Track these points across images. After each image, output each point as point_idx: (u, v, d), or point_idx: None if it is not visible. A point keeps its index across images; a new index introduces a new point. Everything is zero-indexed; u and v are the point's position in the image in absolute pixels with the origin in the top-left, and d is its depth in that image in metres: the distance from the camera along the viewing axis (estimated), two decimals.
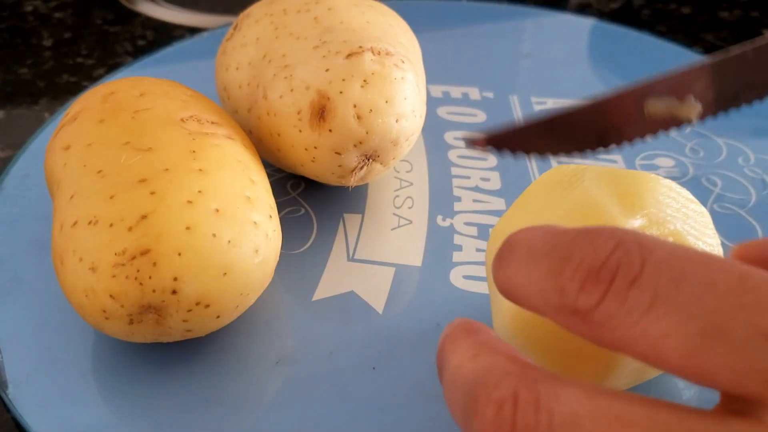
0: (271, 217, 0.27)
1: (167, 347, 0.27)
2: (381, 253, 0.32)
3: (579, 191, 0.23)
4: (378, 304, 0.29)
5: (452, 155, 0.37)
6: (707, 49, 0.48)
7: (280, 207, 0.34)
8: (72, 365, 0.27)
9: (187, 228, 0.24)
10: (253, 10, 0.34)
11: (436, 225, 0.33)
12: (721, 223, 0.33)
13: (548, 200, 0.24)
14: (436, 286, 0.30)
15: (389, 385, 0.26)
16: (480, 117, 0.40)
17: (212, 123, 0.28)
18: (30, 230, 0.32)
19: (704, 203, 0.34)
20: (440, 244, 0.32)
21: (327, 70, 0.29)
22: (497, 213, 0.34)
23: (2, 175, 0.35)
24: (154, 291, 0.23)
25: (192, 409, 0.26)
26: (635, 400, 0.15)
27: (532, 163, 0.37)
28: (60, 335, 0.28)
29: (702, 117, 0.21)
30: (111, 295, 0.23)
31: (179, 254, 0.23)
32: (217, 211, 0.25)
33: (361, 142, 0.29)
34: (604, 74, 0.43)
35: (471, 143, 0.20)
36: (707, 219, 0.24)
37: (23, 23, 0.51)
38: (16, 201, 0.34)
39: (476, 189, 0.35)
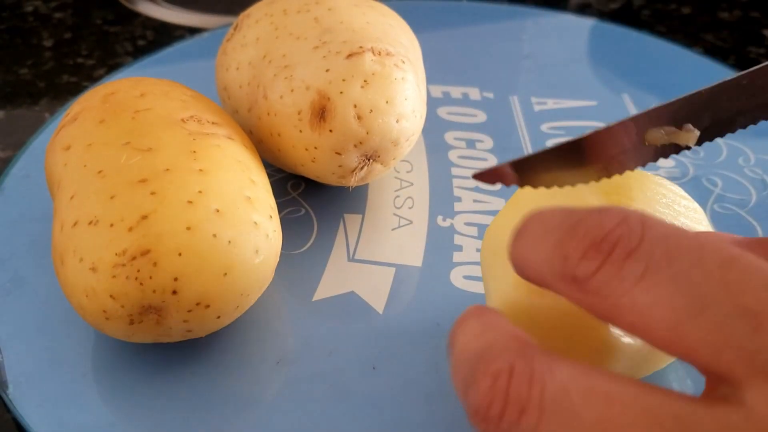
0: (271, 217, 0.27)
1: (167, 347, 0.27)
2: (381, 253, 0.32)
3: (568, 190, 0.23)
4: (378, 304, 0.29)
5: (452, 155, 0.37)
6: (707, 50, 0.48)
7: (281, 207, 0.34)
8: (72, 365, 0.27)
9: (188, 228, 0.24)
10: (253, 10, 0.34)
11: (436, 225, 0.33)
12: (721, 223, 0.33)
13: (537, 201, 0.24)
14: (436, 286, 0.30)
15: (389, 385, 0.26)
16: (480, 117, 0.40)
17: (212, 123, 0.28)
18: (30, 230, 0.32)
19: (704, 203, 0.34)
20: (440, 244, 0.32)
21: (327, 71, 0.29)
22: (497, 213, 0.34)
23: (2, 175, 0.35)
24: (154, 291, 0.23)
25: (192, 409, 0.26)
26: (625, 380, 0.16)
27: None
28: (60, 335, 0.28)
29: (700, 143, 0.22)
30: (111, 296, 0.23)
31: (179, 254, 0.23)
32: (218, 211, 0.25)
33: (361, 143, 0.29)
34: (604, 74, 0.43)
35: (478, 179, 0.21)
36: (700, 215, 0.24)
37: (23, 23, 0.51)
38: (16, 201, 0.34)
39: (476, 189, 0.35)
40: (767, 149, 0.37)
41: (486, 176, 0.21)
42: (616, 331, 0.21)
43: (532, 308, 0.21)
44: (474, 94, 0.42)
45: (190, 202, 0.24)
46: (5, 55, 0.48)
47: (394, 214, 0.34)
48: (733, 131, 0.22)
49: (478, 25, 0.48)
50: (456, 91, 0.42)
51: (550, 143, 0.38)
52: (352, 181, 0.31)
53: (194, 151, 0.26)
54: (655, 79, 0.43)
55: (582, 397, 0.16)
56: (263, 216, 0.26)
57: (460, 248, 0.32)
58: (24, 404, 0.26)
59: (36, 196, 0.34)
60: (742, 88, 0.21)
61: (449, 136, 0.39)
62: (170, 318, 0.24)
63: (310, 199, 0.34)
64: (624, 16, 0.52)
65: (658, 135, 0.22)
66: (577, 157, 0.22)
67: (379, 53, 0.29)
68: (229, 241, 0.24)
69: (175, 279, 0.23)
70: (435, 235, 0.33)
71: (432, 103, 0.41)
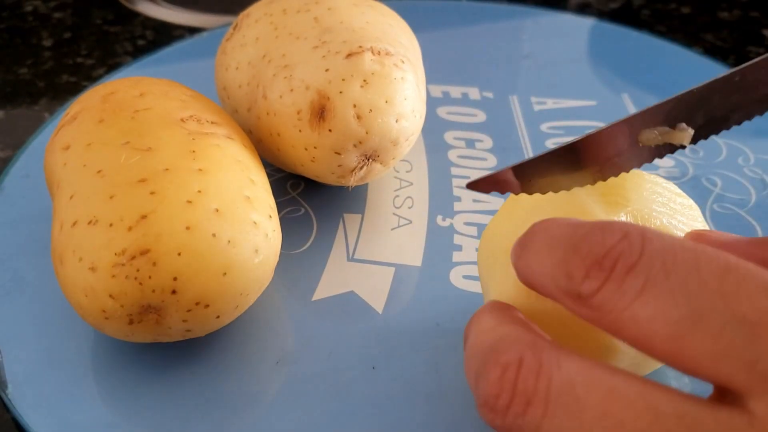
0: (270, 217, 0.27)
1: (167, 347, 0.27)
2: (381, 253, 0.32)
3: (564, 192, 0.23)
4: (378, 304, 0.29)
5: (452, 155, 0.37)
6: (707, 50, 0.48)
7: (280, 207, 0.34)
8: (72, 365, 0.27)
9: (187, 228, 0.24)
10: (252, 10, 0.34)
11: (436, 225, 0.33)
12: (720, 223, 0.33)
13: (534, 202, 0.24)
14: (435, 286, 0.30)
15: (389, 385, 0.26)
16: (480, 117, 0.40)
17: (212, 123, 0.28)
18: (30, 230, 0.32)
19: (704, 203, 0.34)
20: (440, 244, 0.32)
21: (327, 70, 0.29)
22: (494, 214, 0.34)
23: (2, 175, 0.35)
24: (153, 291, 0.23)
25: (192, 409, 0.26)
26: (631, 377, 0.16)
27: None
28: (60, 335, 0.28)
29: (695, 141, 0.22)
30: (111, 295, 0.23)
31: (179, 254, 0.23)
32: (217, 211, 0.25)
33: (360, 142, 0.29)
34: (604, 74, 0.43)
35: (473, 187, 0.22)
36: (696, 212, 0.24)
37: (23, 23, 0.51)
38: (16, 201, 0.34)
39: None
40: (767, 149, 0.37)
41: (480, 185, 0.22)
42: None
43: (532, 310, 0.21)
44: (473, 93, 0.42)
45: (189, 201, 0.24)
46: (5, 54, 0.48)
47: (394, 214, 0.34)
48: (728, 128, 0.22)
49: (477, 24, 0.48)
50: (455, 91, 0.42)
51: (550, 143, 0.38)
52: (352, 181, 0.31)
53: (193, 151, 0.26)
54: (655, 79, 0.43)
55: (587, 392, 0.16)
56: (263, 216, 0.26)
57: (459, 248, 0.32)
58: (23, 404, 0.26)
59: (35, 196, 0.34)
60: (735, 85, 0.21)
61: (449, 136, 0.39)
62: (170, 318, 0.24)
63: (310, 199, 0.34)
64: (624, 16, 0.52)
65: (652, 136, 0.22)
66: (573, 160, 0.22)
67: (379, 53, 0.29)
68: (229, 241, 0.24)
69: (175, 279, 0.23)
70: (434, 235, 0.33)
71: (431, 103, 0.41)
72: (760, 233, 0.32)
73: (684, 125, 0.22)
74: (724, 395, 0.16)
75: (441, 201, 0.35)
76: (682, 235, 0.23)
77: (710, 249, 0.16)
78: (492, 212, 0.34)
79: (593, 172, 0.23)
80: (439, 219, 0.34)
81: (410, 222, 0.33)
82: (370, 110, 0.29)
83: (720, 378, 0.16)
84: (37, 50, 0.48)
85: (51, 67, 0.47)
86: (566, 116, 0.40)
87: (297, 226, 0.33)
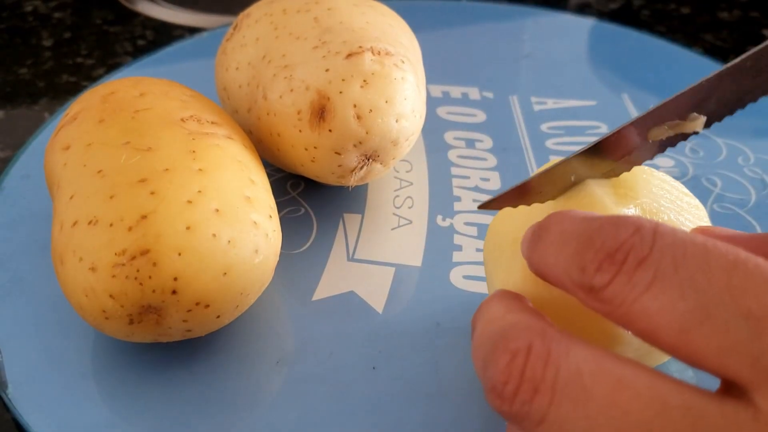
0: (271, 217, 0.27)
1: (167, 347, 0.27)
2: (381, 253, 0.32)
3: (576, 186, 0.23)
4: (378, 304, 0.29)
5: (452, 155, 0.37)
6: (707, 50, 0.48)
7: (280, 207, 0.34)
8: (72, 365, 0.27)
9: (187, 228, 0.24)
10: (252, 10, 0.34)
11: (436, 225, 0.33)
12: (720, 223, 0.33)
13: None
14: (436, 286, 0.30)
15: (389, 385, 0.26)
16: (480, 117, 0.40)
17: (212, 123, 0.28)
18: (30, 230, 0.32)
19: (704, 203, 0.34)
20: (440, 244, 0.32)
21: (327, 70, 0.29)
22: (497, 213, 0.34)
23: (2, 175, 0.35)
24: (154, 291, 0.23)
25: (192, 409, 0.26)
26: (640, 368, 0.16)
27: (531, 162, 0.37)
28: (60, 335, 0.28)
29: (708, 125, 0.22)
30: (111, 295, 0.23)
31: (179, 254, 0.23)
32: (217, 211, 0.25)
33: (360, 142, 0.29)
34: (604, 74, 0.43)
35: (485, 208, 0.23)
36: (702, 212, 0.24)
37: (23, 23, 0.51)
38: (16, 201, 0.34)
39: (476, 189, 0.35)
40: (767, 149, 0.37)
41: (491, 205, 0.22)
42: None
43: (537, 299, 0.22)
44: (473, 93, 0.42)
45: (189, 201, 0.24)
46: (5, 54, 0.48)
47: (394, 214, 0.34)
48: (742, 107, 0.22)
49: (477, 24, 0.48)
50: (455, 91, 0.42)
51: (550, 143, 0.38)
52: (352, 181, 0.31)
53: (194, 151, 0.26)
54: (655, 78, 0.43)
55: (594, 381, 0.16)
56: (263, 216, 0.26)
57: (459, 248, 0.32)
58: (24, 404, 0.26)
59: (36, 196, 0.34)
60: (747, 71, 0.21)
61: (449, 136, 0.39)
62: (170, 318, 0.24)
63: (310, 199, 0.34)
64: (624, 16, 0.52)
65: (662, 130, 0.22)
66: (584, 166, 0.23)
67: (379, 53, 0.29)
68: (229, 241, 0.24)
69: (175, 279, 0.23)
70: (434, 235, 0.33)
71: (431, 103, 0.41)
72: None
73: (695, 114, 0.22)
74: (731, 389, 0.16)
75: (441, 201, 0.35)
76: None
77: (722, 244, 0.16)
78: (492, 212, 0.34)
79: (605, 171, 0.23)
80: (439, 219, 0.34)
81: (410, 222, 0.33)
82: (370, 110, 0.29)
83: (726, 372, 0.16)
84: (37, 50, 0.48)
85: (51, 67, 0.47)
86: (566, 116, 0.40)
87: (297, 226, 0.33)
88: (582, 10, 0.53)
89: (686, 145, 0.37)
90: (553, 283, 0.19)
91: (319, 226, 0.33)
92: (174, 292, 0.23)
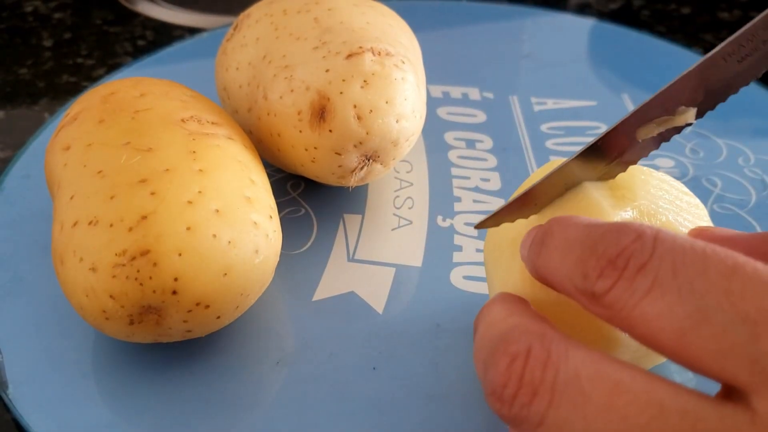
0: (271, 217, 0.27)
1: (167, 347, 0.27)
2: (381, 253, 0.32)
3: (574, 188, 0.23)
4: (378, 304, 0.29)
5: (452, 155, 0.37)
6: (707, 50, 0.48)
7: (281, 207, 0.34)
8: (72, 365, 0.27)
9: (188, 228, 0.24)
10: (253, 10, 0.34)
11: (436, 225, 0.33)
12: (720, 223, 0.33)
13: None
14: (436, 286, 0.30)
15: (389, 385, 0.26)
16: (480, 117, 0.40)
17: (212, 123, 0.28)
18: (30, 230, 0.32)
19: (704, 204, 0.34)
20: (440, 245, 0.32)
21: (327, 71, 0.29)
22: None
23: (2, 175, 0.35)
24: (154, 291, 0.23)
25: (192, 409, 0.26)
26: (637, 372, 0.16)
27: (531, 162, 0.37)
28: (60, 335, 0.28)
29: (701, 115, 0.22)
30: (111, 296, 0.23)
31: (179, 255, 0.23)
32: (218, 211, 0.25)
33: (361, 143, 0.29)
34: (604, 74, 0.43)
35: (481, 227, 0.23)
36: (702, 211, 0.24)
37: (23, 23, 0.51)
38: (16, 201, 0.34)
39: (476, 189, 0.35)
40: (767, 149, 0.37)
41: (487, 223, 0.23)
42: None
43: (535, 300, 0.22)
44: (474, 94, 0.42)
45: (189, 202, 0.24)
46: (5, 55, 0.48)
47: (394, 215, 0.34)
48: (735, 92, 0.22)
49: (477, 25, 0.48)
50: (456, 91, 0.42)
51: (550, 143, 0.38)
52: (352, 182, 0.31)
53: (194, 151, 0.26)
54: (655, 79, 0.43)
55: (592, 384, 0.16)
56: (263, 216, 0.26)
57: (459, 248, 0.32)
58: (24, 404, 0.26)
59: (36, 196, 0.34)
60: (729, 58, 0.21)
61: (449, 136, 0.39)
62: (170, 318, 0.24)
63: (310, 199, 0.34)
64: (624, 17, 0.52)
65: (651, 128, 0.22)
66: (576, 172, 0.23)
67: (379, 53, 0.29)
68: (229, 242, 0.24)
69: (175, 279, 0.23)
70: (435, 235, 0.33)
71: (432, 103, 0.41)
72: None
73: (683, 107, 0.22)
74: (730, 393, 0.16)
75: (441, 201, 0.35)
76: (687, 232, 0.23)
77: (721, 249, 0.16)
78: (492, 212, 0.34)
79: (600, 174, 0.23)
80: (439, 219, 0.34)
81: (410, 222, 0.33)
82: (371, 111, 0.29)
83: (724, 376, 0.16)
84: (37, 50, 0.48)
85: (51, 67, 0.47)
86: (566, 116, 0.40)
87: (297, 226, 0.33)
88: (582, 10, 0.53)
89: (686, 146, 0.37)
90: (557, 289, 0.19)
91: (320, 226, 0.33)
92: (174, 292, 0.23)
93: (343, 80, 0.29)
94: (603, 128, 0.39)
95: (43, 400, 0.26)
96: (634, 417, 0.16)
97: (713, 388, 0.17)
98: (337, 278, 0.31)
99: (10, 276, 0.30)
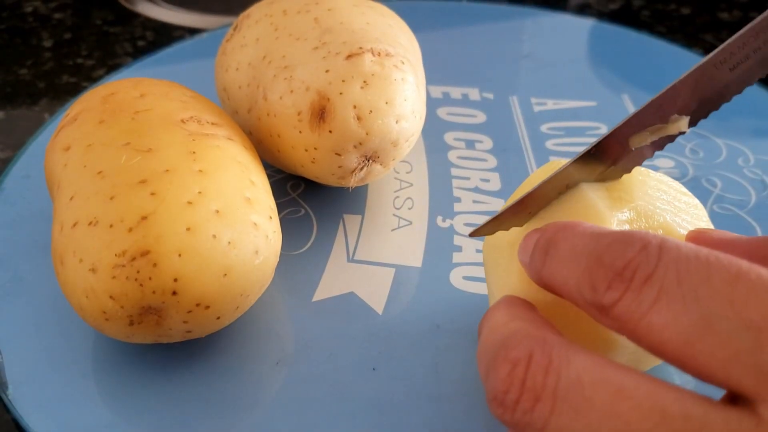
0: (271, 218, 0.27)
1: (167, 348, 0.27)
2: (381, 253, 0.32)
3: (571, 189, 0.23)
4: (378, 304, 0.29)
5: (452, 156, 0.37)
6: (707, 50, 0.48)
7: (280, 208, 0.34)
8: (72, 365, 0.27)
9: (188, 229, 0.24)
10: (253, 10, 0.34)
11: (436, 226, 0.33)
12: (720, 224, 0.33)
13: None
14: (436, 286, 0.30)
15: (389, 385, 0.26)
16: (480, 118, 0.40)
17: (212, 124, 0.28)
18: (30, 230, 0.32)
19: (704, 204, 0.34)
20: (440, 245, 0.32)
21: (327, 71, 0.29)
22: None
23: (2, 175, 0.35)
24: (154, 292, 0.23)
25: (192, 409, 0.26)
26: (640, 376, 0.16)
27: (531, 163, 0.37)
28: (60, 336, 0.28)
29: (694, 123, 0.22)
30: (111, 296, 0.23)
31: (179, 255, 0.23)
32: (218, 212, 0.25)
33: (361, 143, 0.29)
34: (603, 75, 0.43)
35: (475, 235, 0.23)
36: (701, 211, 0.24)
37: (23, 24, 0.51)
38: (16, 201, 0.34)
39: (476, 190, 0.35)
40: (766, 150, 0.37)
41: (482, 231, 0.23)
42: None
43: (535, 302, 0.22)
44: (473, 94, 0.42)
45: (189, 202, 0.24)
46: (5, 55, 0.48)
47: (394, 215, 0.34)
48: (728, 101, 0.22)
49: (477, 25, 0.48)
50: (455, 92, 0.42)
51: (550, 144, 0.38)
52: (352, 182, 0.31)
53: (194, 152, 0.26)
54: (655, 79, 0.43)
55: (595, 390, 0.16)
56: (263, 217, 0.26)
57: (459, 249, 0.32)
58: (24, 405, 0.26)
59: (36, 196, 0.34)
60: (720, 66, 0.21)
61: (449, 137, 0.39)
62: (170, 319, 0.24)
63: (310, 200, 0.34)
64: (623, 17, 0.52)
65: (644, 137, 0.22)
66: (572, 178, 0.23)
67: (379, 54, 0.29)
68: (229, 242, 0.24)
69: (175, 280, 0.23)
70: (434, 236, 0.33)
71: (431, 104, 0.41)
72: (759, 234, 0.32)
73: (676, 116, 0.22)
74: (735, 398, 0.16)
75: (441, 202, 0.35)
76: (686, 233, 0.23)
77: (724, 256, 0.16)
78: (492, 212, 0.34)
79: (596, 177, 0.23)
80: (439, 220, 0.34)
81: (410, 223, 0.33)
82: (371, 111, 0.29)
83: (730, 383, 0.16)
84: (37, 51, 0.48)
85: (51, 67, 0.47)
86: (566, 117, 0.40)
87: (297, 227, 0.33)
88: (582, 10, 0.53)
89: (686, 146, 0.37)
90: (564, 298, 0.19)
91: (319, 227, 0.33)
92: (174, 293, 0.23)
93: (343, 81, 0.29)
94: (603, 129, 0.39)
95: (43, 400, 0.26)
96: (638, 423, 0.16)
97: (716, 391, 0.17)
98: (336, 279, 0.31)
99: (9, 276, 0.30)
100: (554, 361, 0.17)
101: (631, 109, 0.40)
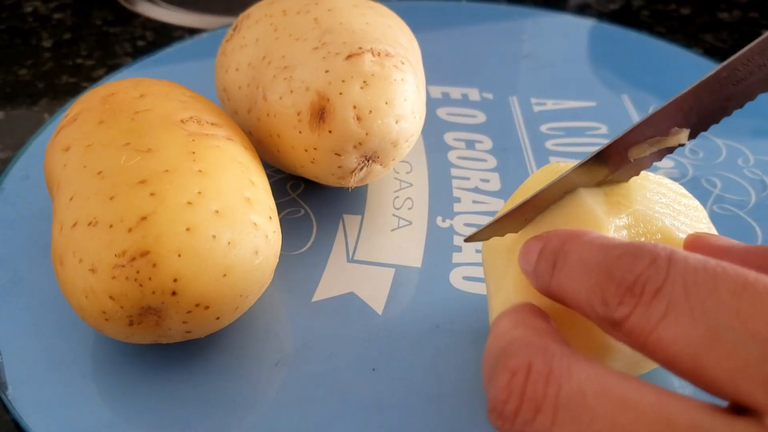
0: (270, 218, 0.27)
1: (167, 348, 0.27)
2: (381, 254, 0.32)
3: (570, 193, 0.23)
4: (378, 305, 0.29)
5: (452, 156, 0.37)
6: (706, 50, 0.48)
7: (280, 208, 0.34)
8: (72, 365, 0.27)
9: (187, 229, 0.24)
10: (252, 11, 0.34)
11: (435, 226, 0.33)
12: (720, 224, 0.33)
13: None
14: (435, 287, 0.30)
15: (389, 385, 0.26)
16: (480, 118, 0.40)
17: (212, 124, 0.28)
18: (30, 230, 0.32)
19: (704, 204, 0.34)
20: (440, 245, 0.32)
21: (327, 72, 0.29)
22: (497, 213, 0.34)
23: (2, 175, 0.35)
24: (153, 292, 0.23)
25: (192, 410, 0.26)
26: (644, 386, 0.16)
27: (530, 163, 0.37)
28: (60, 336, 0.28)
29: (694, 136, 0.22)
30: (111, 297, 0.23)
31: (179, 255, 0.23)
32: (217, 212, 0.25)
33: (360, 144, 0.29)
34: (603, 75, 0.43)
35: (471, 240, 0.23)
36: (701, 213, 0.24)
37: (23, 24, 0.52)
38: (16, 201, 0.34)
39: (476, 190, 0.35)
40: (766, 150, 0.37)
41: (477, 236, 0.22)
42: None
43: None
44: (473, 94, 0.42)
45: (189, 203, 0.24)
46: (5, 55, 0.48)
47: (394, 215, 0.34)
48: (728, 115, 0.22)
49: (477, 25, 0.48)
50: (455, 92, 0.42)
51: (550, 144, 0.38)
52: (352, 182, 0.31)
53: (194, 152, 0.26)
54: (655, 79, 0.43)
55: (597, 401, 0.16)
56: (263, 217, 0.26)
57: (459, 249, 0.32)
58: (24, 405, 0.26)
59: (35, 196, 0.34)
60: (724, 80, 0.21)
61: (449, 137, 0.39)
62: (170, 319, 0.24)
63: (310, 200, 0.34)
64: (623, 17, 0.52)
65: (643, 148, 0.22)
66: (568, 187, 0.23)
67: (379, 54, 0.29)
68: (229, 242, 0.24)
69: (175, 280, 0.23)
70: (434, 236, 0.33)
71: (431, 104, 0.41)
72: (759, 234, 0.32)
73: (676, 128, 0.22)
74: (742, 409, 0.16)
75: (441, 202, 0.35)
76: (684, 236, 0.23)
77: (731, 267, 0.16)
78: (492, 212, 0.34)
79: (595, 183, 0.23)
80: (439, 220, 0.34)
81: (410, 223, 0.33)
82: (370, 111, 0.29)
83: (739, 396, 0.15)
84: (37, 51, 0.48)
85: (51, 67, 0.47)
86: (566, 117, 0.40)
87: (297, 227, 0.33)
88: (582, 10, 0.53)
89: (686, 146, 0.37)
90: (574, 310, 0.19)
91: (319, 227, 0.33)
92: (174, 293, 0.24)
93: (343, 81, 0.29)
94: (603, 129, 0.39)
95: (43, 400, 0.26)
96: None
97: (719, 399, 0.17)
98: (336, 279, 0.31)
99: (9, 276, 0.30)
100: (555, 370, 0.17)
101: (631, 109, 0.40)
